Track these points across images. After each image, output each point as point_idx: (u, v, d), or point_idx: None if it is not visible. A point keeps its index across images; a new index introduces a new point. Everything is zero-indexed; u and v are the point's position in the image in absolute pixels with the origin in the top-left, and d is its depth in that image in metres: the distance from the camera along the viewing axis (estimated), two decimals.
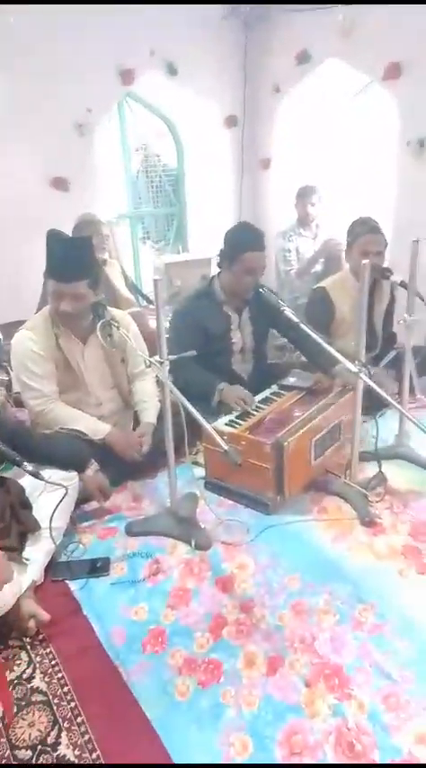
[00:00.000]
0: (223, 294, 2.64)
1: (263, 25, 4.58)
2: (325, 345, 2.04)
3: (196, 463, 2.36)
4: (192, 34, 4.34)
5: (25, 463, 1.67)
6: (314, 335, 2.08)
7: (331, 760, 1.27)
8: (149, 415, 2.44)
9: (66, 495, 1.81)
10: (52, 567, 1.88)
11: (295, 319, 2.15)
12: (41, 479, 1.71)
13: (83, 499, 2.15)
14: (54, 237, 2.19)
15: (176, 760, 1.29)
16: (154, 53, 4.25)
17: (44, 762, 1.31)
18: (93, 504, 2.21)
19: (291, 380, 2.62)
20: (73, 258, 2.16)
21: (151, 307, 4.22)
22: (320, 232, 4.07)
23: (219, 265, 2.63)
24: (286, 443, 2.03)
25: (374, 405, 2.30)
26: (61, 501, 1.79)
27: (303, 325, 2.11)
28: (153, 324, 3.24)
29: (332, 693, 1.42)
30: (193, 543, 1.98)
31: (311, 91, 4.56)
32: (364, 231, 2.74)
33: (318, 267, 4.02)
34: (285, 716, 1.38)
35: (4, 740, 1.36)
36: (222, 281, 2.63)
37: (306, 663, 1.52)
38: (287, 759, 1.28)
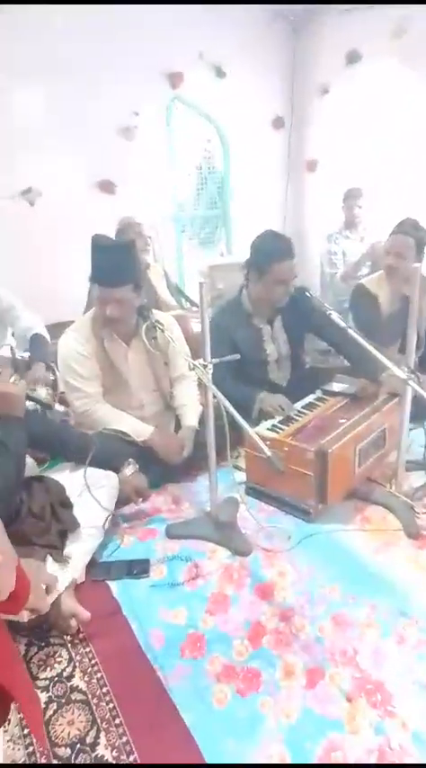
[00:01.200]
0: (251, 306, 2.58)
1: (312, 25, 4.53)
2: (373, 351, 2.00)
3: (237, 467, 2.35)
4: (240, 36, 4.33)
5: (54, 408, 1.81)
6: (361, 340, 2.03)
7: None
8: (191, 419, 2.44)
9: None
10: (93, 566, 1.90)
11: (342, 324, 2.11)
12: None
13: (123, 500, 2.16)
14: (98, 243, 2.22)
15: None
16: (202, 56, 4.26)
17: (82, 760, 1.32)
18: (133, 506, 2.23)
19: (335, 386, 2.57)
20: (116, 263, 2.17)
21: (194, 309, 4.24)
22: (367, 235, 3.99)
23: (247, 276, 2.56)
24: (330, 450, 2.00)
25: (421, 412, 2.24)
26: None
27: (350, 330, 2.07)
28: (195, 327, 3.26)
29: (374, 710, 1.38)
30: (233, 549, 1.97)
31: (360, 92, 4.48)
32: (393, 231, 2.76)
33: (365, 270, 3.95)
34: (325, 730, 1.35)
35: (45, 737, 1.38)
36: (251, 293, 2.56)
37: (346, 677, 1.48)
38: None
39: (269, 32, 4.53)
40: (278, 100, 4.79)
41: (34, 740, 1.37)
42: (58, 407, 2.71)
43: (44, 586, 1.04)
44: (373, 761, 1.27)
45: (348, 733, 1.34)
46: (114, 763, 1.31)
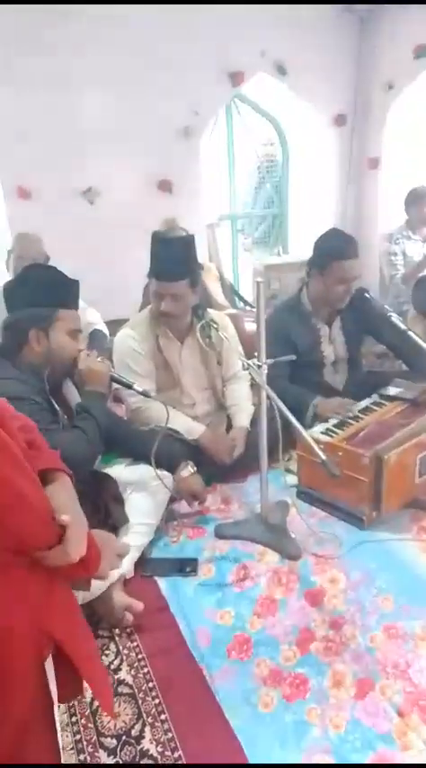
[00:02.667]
0: (311, 305, 2.53)
1: (378, 20, 4.41)
2: None
3: (288, 470, 2.31)
4: (304, 33, 4.26)
5: (135, 385, 1.90)
6: (421, 343, 1.96)
7: None
8: (242, 419, 2.43)
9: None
10: (142, 562, 1.92)
11: (402, 326, 2.05)
12: (148, 396, 1.95)
13: (173, 498, 2.17)
14: (157, 238, 2.24)
15: None
16: (264, 54, 4.22)
17: (127, 752, 1.33)
18: (184, 504, 2.23)
19: (394, 390, 2.49)
20: (174, 257, 2.18)
21: (248, 309, 4.23)
22: None
23: (308, 274, 2.52)
24: (386, 456, 1.94)
25: None
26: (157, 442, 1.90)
27: (411, 333, 2.00)
28: (249, 326, 3.24)
29: None
30: (283, 552, 1.94)
31: None
32: None
33: None
34: (374, 744, 1.31)
35: (91, 726, 1.40)
36: (311, 292, 2.51)
37: (398, 690, 1.43)
38: None
39: (333, 28, 4.44)
40: (340, 97, 4.69)
41: (81, 728, 1.40)
42: (112, 404, 2.77)
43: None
44: None
45: (399, 749, 1.29)
46: (158, 758, 1.31)
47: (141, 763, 1.31)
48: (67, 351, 1.77)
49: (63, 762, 1.32)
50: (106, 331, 3.05)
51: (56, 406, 1.74)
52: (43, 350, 1.72)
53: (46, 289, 1.75)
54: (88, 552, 0.92)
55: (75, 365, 1.81)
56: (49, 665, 0.94)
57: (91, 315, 3.00)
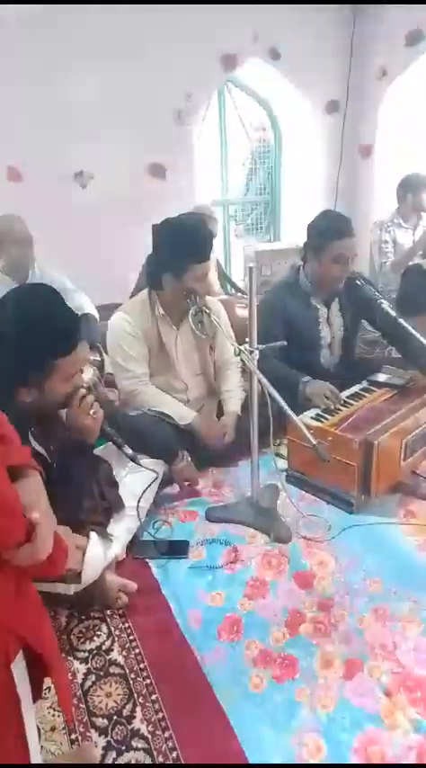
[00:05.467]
0: (310, 286, 2.53)
1: (371, 7, 4.37)
2: (424, 341, 1.94)
3: (279, 455, 2.33)
4: (297, 17, 4.22)
5: (125, 447, 1.71)
6: (413, 331, 1.98)
7: None
8: (234, 404, 2.44)
9: (156, 479, 1.85)
10: (134, 545, 1.93)
11: (392, 313, 2.06)
12: (138, 464, 1.75)
13: (166, 480, 2.18)
14: (186, 222, 2.26)
15: (248, 752, 1.28)
16: (257, 38, 4.18)
17: (118, 732, 1.35)
18: (175, 487, 2.25)
19: (383, 377, 2.51)
20: (210, 239, 2.24)
21: (239, 295, 4.22)
22: (422, 223, 3.86)
23: (304, 258, 2.52)
24: (376, 442, 1.95)
25: None
26: (151, 483, 1.84)
27: (401, 321, 2.01)
28: (240, 312, 3.23)
29: (414, 707, 1.35)
30: (273, 535, 1.96)
31: (420, 74, 4.32)
32: None
33: (417, 260, 3.82)
34: (362, 723, 1.33)
35: (83, 706, 1.41)
36: (308, 273, 2.51)
37: (386, 671, 1.46)
38: None
39: (326, 14, 4.40)
40: (333, 83, 4.66)
41: (73, 708, 1.41)
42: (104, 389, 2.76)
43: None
44: (413, 758, 1.24)
45: (386, 728, 1.31)
46: (149, 737, 1.33)
47: (133, 748, 1.33)
48: (63, 393, 1.52)
49: (57, 741, 1.33)
50: (97, 315, 3.03)
51: (38, 449, 1.55)
52: (33, 399, 1.45)
53: (41, 337, 1.40)
54: (55, 550, 0.91)
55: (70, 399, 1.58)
56: (20, 665, 0.93)
57: (79, 299, 2.98)
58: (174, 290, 2.23)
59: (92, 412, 1.60)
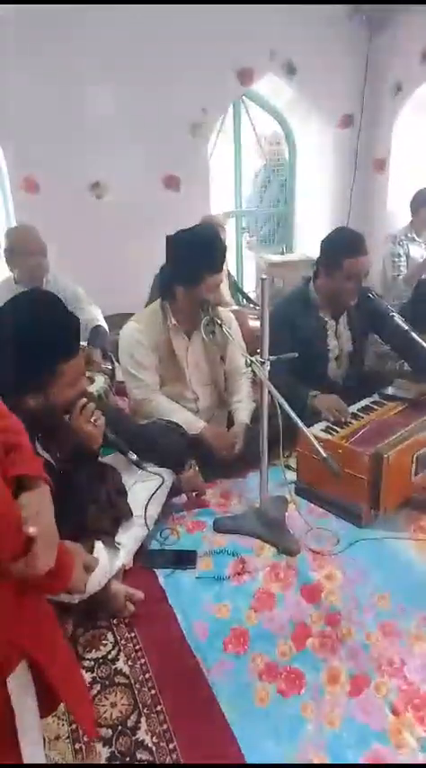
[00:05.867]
0: (319, 299, 2.53)
1: (388, 23, 4.41)
2: None
3: (288, 467, 2.32)
4: (314, 33, 4.26)
5: (130, 452, 1.72)
6: (424, 344, 1.97)
7: None
8: (243, 415, 2.44)
9: (162, 485, 1.84)
10: (141, 554, 1.93)
11: (404, 326, 2.05)
12: (144, 469, 1.76)
13: (174, 491, 2.18)
14: (200, 232, 2.29)
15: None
16: (274, 53, 4.22)
17: (122, 743, 1.34)
18: (183, 497, 2.24)
19: (393, 390, 2.50)
20: (224, 249, 2.28)
21: (251, 306, 4.23)
22: None
23: (315, 272, 2.53)
24: (386, 455, 1.94)
25: None
26: (157, 490, 1.84)
27: (413, 334, 2.01)
28: (251, 323, 3.24)
29: (421, 726, 1.34)
30: (280, 547, 1.95)
31: None
32: None
33: None
34: (368, 741, 1.31)
35: None
36: (319, 288, 2.52)
37: (393, 688, 1.44)
38: None
39: (343, 29, 4.44)
40: (348, 98, 4.69)
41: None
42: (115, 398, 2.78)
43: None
44: None
45: (392, 747, 1.30)
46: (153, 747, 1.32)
47: (138, 760, 1.32)
48: (68, 398, 1.54)
49: (61, 751, 1.33)
50: (106, 327, 3.05)
51: (44, 455, 1.56)
52: (38, 405, 1.44)
53: (43, 342, 1.40)
54: (58, 565, 0.89)
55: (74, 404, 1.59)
56: (23, 678, 0.92)
57: (91, 311, 3.00)
58: (187, 300, 2.24)
59: (93, 419, 1.61)
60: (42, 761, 1.01)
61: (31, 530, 0.83)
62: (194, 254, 2.18)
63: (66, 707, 0.97)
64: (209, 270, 2.19)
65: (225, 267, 3.76)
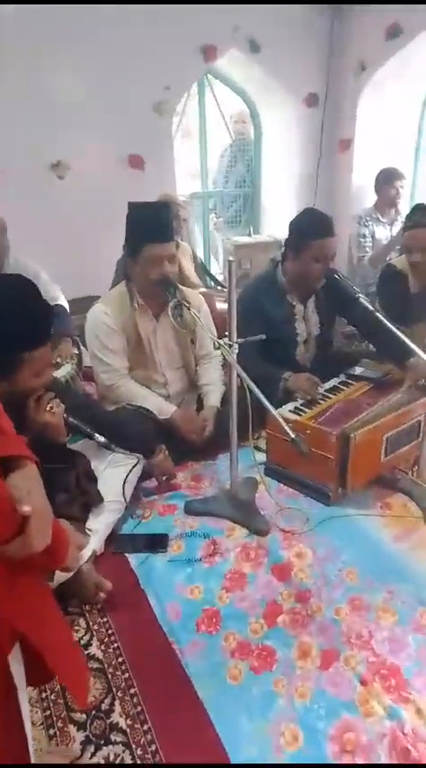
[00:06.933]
0: (287, 283, 2.53)
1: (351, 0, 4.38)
2: (400, 335, 1.96)
3: (257, 448, 2.34)
4: (277, 10, 4.20)
5: (96, 435, 1.71)
6: (389, 325, 2.00)
7: (384, 762, 1.24)
8: (213, 399, 2.44)
9: (136, 464, 1.84)
10: (112, 539, 1.93)
11: (370, 308, 2.07)
12: (112, 450, 1.76)
13: (145, 474, 2.18)
14: (141, 204, 2.24)
15: (226, 743, 1.29)
16: (238, 29, 4.15)
17: (97, 726, 1.35)
18: (154, 481, 2.24)
19: (360, 371, 2.54)
20: (165, 219, 2.22)
21: (219, 288, 4.21)
22: (399, 218, 3.90)
23: (284, 255, 2.52)
24: (353, 435, 1.97)
25: None
26: (133, 468, 1.86)
27: (379, 315, 2.03)
28: (219, 306, 3.23)
29: (388, 695, 1.38)
30: (251, 528, 1.97)
31: (400, 68, 4.34)
32: (410, 225, 2.66)
33: (394, 255, 3.86)
34: (338, 712, 1.35)
35: (61, 701, 1.41)
36: (287, 270, 2.51)
37: (361, 660, 1.48)
38: (337, 755, 1.26)
39: (306, 7, 4.39)
40: (312, 76, 4.66)
41: (51, 704, 1.41)
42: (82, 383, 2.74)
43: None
44: (385, 744, 1.27)
45: (361, 715, 1.34)
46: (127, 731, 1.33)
47: (112, 742, 1.33)
48: (34, 387, 1.54)
49: (36, 738, 1.32)
50: (67, 307, 3.00)
51: None
52: (2, 391, 1.42)
53: (13, 328, 1.39)
54: (55, 542, 0.90)
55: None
56: (17, 657, 0.93)
57: (52, 291, 2.95)
58: (138, 276, 2.23)
59: (49, 407, 1.60)
60: (26, 734, 1.02)
61: (26, 508, 0.84)
62: (134, 224, 2.19)
63: (59, 680, 0.99)
64: (148, 239, 2.15)
65: (188, 247, 3.75)
